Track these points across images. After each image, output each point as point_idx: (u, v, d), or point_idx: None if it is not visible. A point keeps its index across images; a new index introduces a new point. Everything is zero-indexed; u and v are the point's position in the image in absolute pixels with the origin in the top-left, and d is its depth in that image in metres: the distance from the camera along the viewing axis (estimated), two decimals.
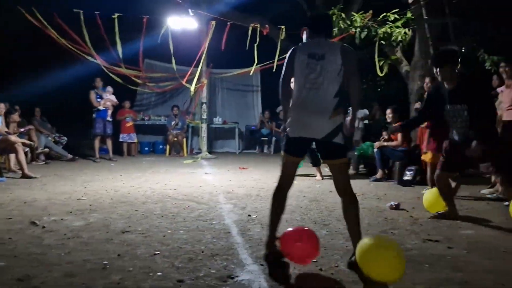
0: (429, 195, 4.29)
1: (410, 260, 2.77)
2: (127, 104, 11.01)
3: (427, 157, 5.40)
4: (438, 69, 3.74)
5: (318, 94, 2.68)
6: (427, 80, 6.31)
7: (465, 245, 3.10)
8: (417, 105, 6.46)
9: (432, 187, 5.74)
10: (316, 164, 6.69)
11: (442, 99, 3.83)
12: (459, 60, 3.74)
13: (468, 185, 6.09)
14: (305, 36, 6.45)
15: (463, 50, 8.75)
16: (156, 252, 2.86)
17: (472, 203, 4.83)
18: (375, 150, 6.71)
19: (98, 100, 9.14)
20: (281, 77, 2.86)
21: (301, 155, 2.90)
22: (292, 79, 2.85)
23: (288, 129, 2.80)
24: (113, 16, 8.96)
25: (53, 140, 9.39)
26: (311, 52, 2.73)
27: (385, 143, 6.56)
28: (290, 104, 2.81)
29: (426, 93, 5.62)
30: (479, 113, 3.59)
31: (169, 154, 11.13)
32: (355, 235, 2.70)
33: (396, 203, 4.46)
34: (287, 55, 2.86)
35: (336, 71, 2.69)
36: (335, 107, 2.67)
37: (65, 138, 9.78)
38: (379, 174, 6.66)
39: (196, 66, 10.35)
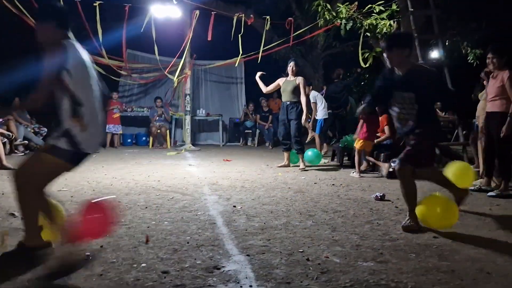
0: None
1: (396, 249, 2.78)
2: (114, 95, 10.88)
3: (357, 143, 6.05)
4: (386, 52, 3.46)
5: None
6: None
7: (450, 235, 3.12)
8: None
9: (359, 171, 6.17)
10: None
11: (392, 84, 3.52)
12: (410, 45, 3.51)
13: None
14: None
15: (446, 44, 8.85)
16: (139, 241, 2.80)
17: None
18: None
19: None
20: None
21: None
22: None
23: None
24: (94, 4, 8.75)
25: (33, 131, 9.17)
26: None
27: (375, 141, 6.54)
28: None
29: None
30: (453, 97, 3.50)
31: (152, 146, 10.99)
32: None
33: (381, 194, 4.47)
34: None
35: None
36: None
37: (45, 129, 9.55)
38: (363, 165, 6.68)
39: (180, 57, 10.21)
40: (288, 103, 6.82)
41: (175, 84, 10.68)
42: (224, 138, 12.35)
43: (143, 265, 2.42)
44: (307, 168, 6.74)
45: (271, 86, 7.09)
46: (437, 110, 9.94)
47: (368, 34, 8.30)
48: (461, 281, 2.26)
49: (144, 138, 11.69)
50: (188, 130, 10.69)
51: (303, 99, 6.80)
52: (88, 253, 2.57)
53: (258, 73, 7.11)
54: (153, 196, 4.47)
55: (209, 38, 9.70)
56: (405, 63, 3.43)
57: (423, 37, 7.64)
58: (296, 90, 6.77)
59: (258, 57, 10.26)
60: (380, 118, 6.59)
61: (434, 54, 9.51)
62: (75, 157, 2.57)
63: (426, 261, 2.55)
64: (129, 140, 11.58)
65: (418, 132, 3.41)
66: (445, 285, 2.20)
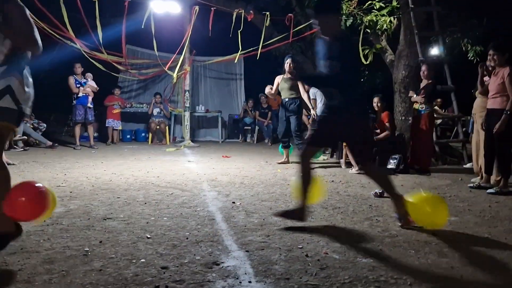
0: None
1: (395, 246, 2.77)
2: (117, 91, 10.89)
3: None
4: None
5: None
6: (423, 68, 6.35)
7: (449, 232, 3.12)
8: (411, 93, 6.50)
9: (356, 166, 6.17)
10: None
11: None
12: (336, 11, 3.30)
13: (451, 173, 6.20)
14: None
15: (447, 40, 8.82)
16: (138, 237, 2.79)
17: (455, 191, 4.88)
18: None
19: (78, 86, 8.92)
20: None
21: None
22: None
23: None
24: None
25: (32, 126, 9.15)
26: None
27: (375, 138, 6.53)
28: None
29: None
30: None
31: (152, 142, 10.98)
32: None
33: (380, 191, 4.46)
34: None
35: None
36: None
37: (44, 125, 9.55)
38: None
39: (180, 53, 10.18)
40: (287, 99, 6.84)
41: (174, 80, 10.66)
42: (223, 135, 12.35)
43: (142, 260, 2.42)
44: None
45: (274, 88, 7.06)
46: (436, 107, 9.94)
47: (368, 30, 8.28)
48: (460, 277, 2.26)
49: (143, 134, 11.68)
50: (187, 126, 10.68)
51: (304, 96, 6.82)
52: (87, 249, 2.57)
53: (267, 89, 7.06)
54: (152, 192, 4.46)
55: (210, 34, 9.67)
56: (330, 28, 3.14)
57: (423, 33, 7.62)
58: (294, 87, 6.78)
59: (257, 53, 10.24)
60: (381, 115, 6.59)
61: (434, 51, 9.49)
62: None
63: (425, 258, 2.55)
64: (128, 136, 11.57)
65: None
66: (444, 282, 2.20)
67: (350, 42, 3.34)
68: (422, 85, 6.37)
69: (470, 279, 2.24)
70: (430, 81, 6.24)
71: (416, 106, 6.31)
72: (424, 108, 6.19)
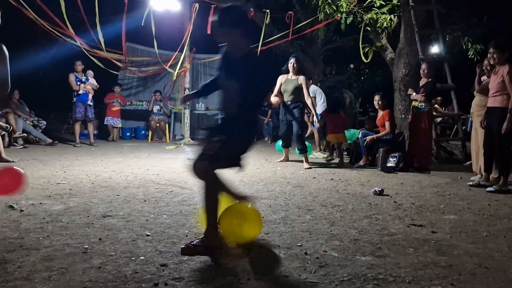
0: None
1: (394, 244, 2.77)
2: (117, 88, 10.88)
3: (329, 138, 7.42)
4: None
5: None
6: (423, 66, 6.36)
7: (448, 230, 3.12)
8: (410, 91, 6.51)
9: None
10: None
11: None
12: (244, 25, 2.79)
13: (451, 172, 6.20)
14: None
15: (447, 39, 8.82)
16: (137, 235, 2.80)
17: (454, 189, 4.88)
18: (359, 137, 6.73)
19: (78, 83, 8.91)
20: None
21: None
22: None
23: None
24: None
25: (32, 124, 9.15)
26: None
27: (375, 136, 6.54)
28: None
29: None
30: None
31: (151, 139, 10.98)
32: None
33: (379, 189, 4.47)
34: None
35: None
36: None
37: (44, 122, 9.54)
38: (362, 160, 6.69)
39: (180, 51, 10.18)
40: (289, 103, 6.59)
41: (174, 78, 10.65)
42: None
43: (141, 258, 2.42)
44: (312, 167, 6.55)
45: (276, 89, 6.73)
46: (436, 105, 9.94)
47: (369, 28, 8.27)
48: (459, 275, 2.26)
49: (143, 132, 11.68)
50: (187, 124, 10.68)
51: (308, 101, 6.61)
52: (86, 246, 2.57)
53: (273, 99, 6.72)
54: (152, 189, 4.46)
55: (209, 32, 9.65)
56: (238, 46, 2.82)
57: (423, 32, 7.61)
58: (297, 90, 6.54)
59: (257, 51, 10.21)
60: (382, 113, 6.59)
61: (435, 49, 9.49)
62: None
63: (424, 256, 2.55)
64: (128, 134, 11.56)
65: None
66: (443, 280, 2.20)
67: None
68: (421, 83, 6.37)
69: (469, 277, 2.24)
70: (430, 79, 6.24)
71: (415, 104, 6.31)
72: (423, 106, 6.20)
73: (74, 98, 8.94)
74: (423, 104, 6.19)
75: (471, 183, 5.10)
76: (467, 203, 4.11)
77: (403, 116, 7.70)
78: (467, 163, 6.94)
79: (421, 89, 6.23)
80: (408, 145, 6.58)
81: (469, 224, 3.32)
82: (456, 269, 2.35)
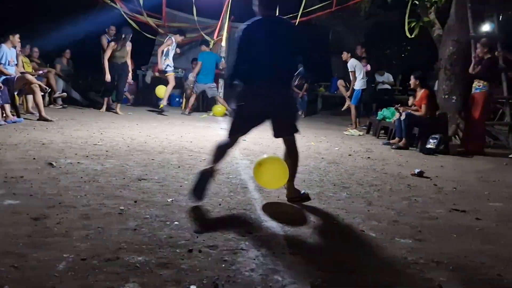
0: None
1: (436, 229, 2.65)
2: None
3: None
4: None
5: None
6: (478, 47, 6.10)
7: (494, 218, 2.96)
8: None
9: None
10: None
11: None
12: None
13: (495, 157, 5.89)
14: None
15: (501, 17, 8.25)
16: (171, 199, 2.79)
17: (500, 175, 4.61)
18: (396, 117, 6.49)
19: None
20: None
21: None
22: None
23: None
24: None
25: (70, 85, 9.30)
26: None
27: (409, 110, 6.33)
28: None
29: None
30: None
31: (185, 107, 10.99)
32: None
33: (419, 170, 4.30)
34: None
35: None
36: None
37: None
38: (402, 141, 6.44)
39: (221, 19, 10.04)
40: None
41: (211, 46, 10.52)
42: None
43: (176, 223, 2.41)
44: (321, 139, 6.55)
45: None
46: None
47: (417, 2, 7.82)
48: (506, 267, 2.13)
49: (177, 99, 11.70)
50: (221, 94, 10.61)
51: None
52: (122, 207, 2.58)
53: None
54: (185, 156, 4.46)
55: None
56: None
57: (477, 7, 7.13)
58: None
59: (295, 22, 9.90)
60: (420, 93, 6.33)
61: (486, 27, 8.93)
62: None
63: (468, 243, 2.43)
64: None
65: None
66: (489, 269, 2.08)
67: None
68: (472, 65, 6.09)
69: None
70: (488, 56, 5.97)
71: (474, 84, 6.06)
72: (480, 87, 5.92)
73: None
74: (481, 84, 5.91)
75: None
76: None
77: (446, 96, 7.34)
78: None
79: (478, 67, 5.96)
80: (463, 127, 6.35)
81: None
82: (503, 259, 2.22)
